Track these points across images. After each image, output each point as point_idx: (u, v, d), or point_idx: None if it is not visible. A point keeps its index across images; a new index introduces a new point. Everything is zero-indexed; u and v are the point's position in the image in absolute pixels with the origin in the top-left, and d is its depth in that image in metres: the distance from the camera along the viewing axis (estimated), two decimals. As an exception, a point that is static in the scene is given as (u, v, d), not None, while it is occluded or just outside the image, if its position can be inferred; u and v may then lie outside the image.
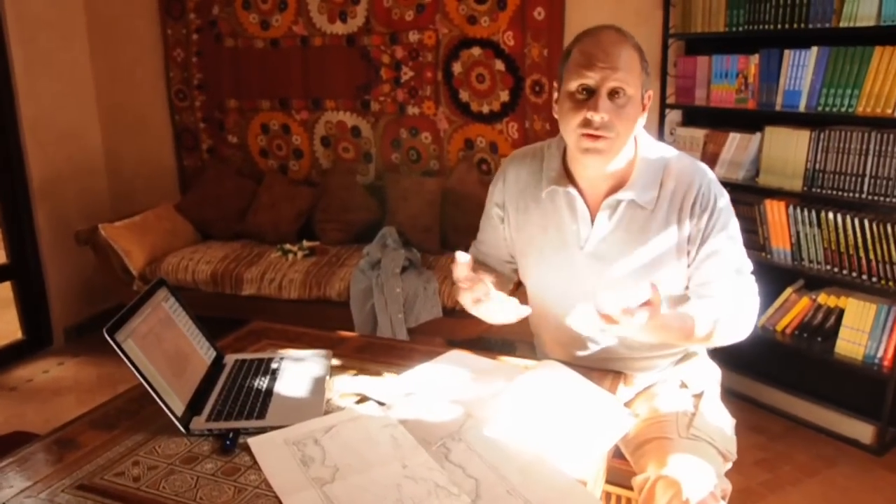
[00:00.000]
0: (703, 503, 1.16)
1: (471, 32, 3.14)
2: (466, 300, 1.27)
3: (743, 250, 1.35)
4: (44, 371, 3.23)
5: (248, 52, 3.52)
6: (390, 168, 3.45)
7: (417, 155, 3.40)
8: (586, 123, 1.23)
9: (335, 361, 1.43)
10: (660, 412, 1.36)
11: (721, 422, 1.37)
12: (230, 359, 1.43)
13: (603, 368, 1.40)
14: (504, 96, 3.16)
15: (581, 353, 1.43)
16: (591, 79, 1.22)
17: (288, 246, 3.13)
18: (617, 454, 1.39)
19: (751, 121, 2.62)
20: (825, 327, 2.48)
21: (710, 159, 2.65)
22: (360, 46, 3.33)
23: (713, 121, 2.78)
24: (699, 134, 2.75)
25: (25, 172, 3.33)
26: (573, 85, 1.24)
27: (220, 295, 3.01)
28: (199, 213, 3.43)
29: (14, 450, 1.14)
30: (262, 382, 1.32)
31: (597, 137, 1.23)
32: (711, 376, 1.48)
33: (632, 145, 1.32)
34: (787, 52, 2.42)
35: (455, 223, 3.09)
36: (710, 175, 1.35)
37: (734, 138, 2.63)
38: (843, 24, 2.26)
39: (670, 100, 2.87)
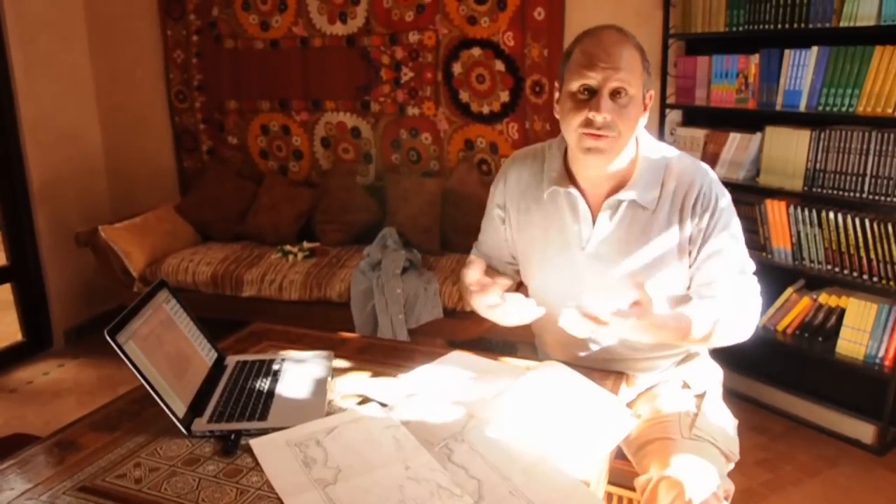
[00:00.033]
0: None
1: (471, 33, 3.14)
2: (480, 305, 1.27)
3: (745, 250, 1.35)
4: (44, 373, 3.23)
5: (248, 53, 3.52)
6: (390, 169, 3.45)
7: (417, 155, 3.40)
8: (588, 123, 1.23)
9: (336, 362, 1.43)
10: (662, 413, 1.36)
11: (723, 422, 1.37)
12: (231, 360, 1.43)
13: (605, 369, 1.39)
14: (504, 97, 3.16)
15: (583, 354, 1.43)
16: (592, 79, 1.22)
17: (288, 247, 3.13)
18: (619, 455, 1.39)
19: (751, 121, 2.62)
20: (826, 327, 2.48)
21: (711, 159, 2.65)
22: (360, 47, 3.33)
23: (713, 121, 2.78)
24: (699, 134, 2.75)
25: (25, 174, 3.32)
26: (575, 85, 1.24)
27: (220, 296, 3.00)
28: (199, 215, 3.43)
29: (14, 452, 1.14)
30: (263, 384, 1.32)
31: (599, 137, 1.23)
32: (713, 377, 1.48)
33: (633, 145, 1.32)
34: (787, 51, 2.42)
35: (455, 224, 3.09)
36: (712, 175, 1.34)
37: (734, 138, 2.63)
38: (843, 24, 2.26)
39: (670, 100, 2.87)
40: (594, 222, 1.34)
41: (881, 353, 2.33)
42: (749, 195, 2.56)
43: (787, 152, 2.47)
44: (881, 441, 2.41)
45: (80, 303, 3.57)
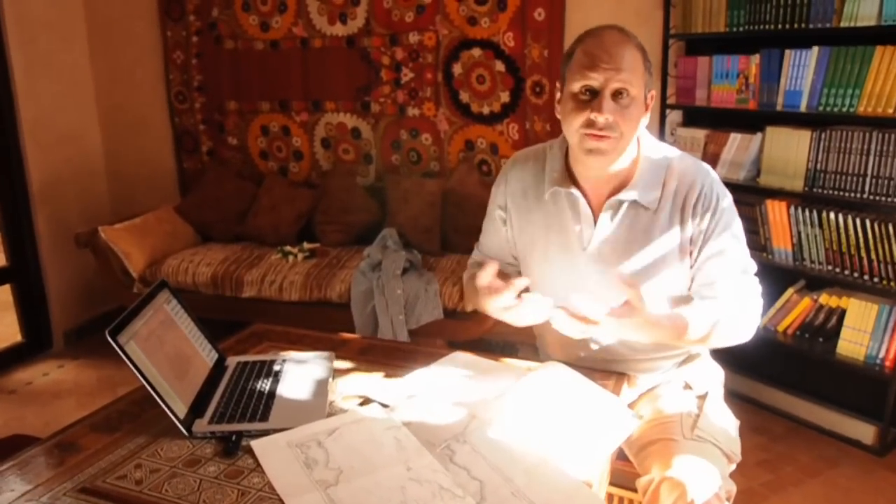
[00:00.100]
0: (707, 504, 1.15)
1: (471, 33, 3.14)
2: (492, 307, 1.26)
3: (747, 251, 1.35)
4: (43, 374, 3.22)
5: (248, 53, 3.51)
6: (390, 169, 3.45)
7: (418, 156, 3.40)
8: (590, 124, 1.23)
9: (337, 363, 1.43)
10: (664, 413, 1.36)
11: (725, 423, 1.37)
12: (232, 361, 1.42)
13: (606, 370, 1.39)
14: (504, 97, 3.15)
15: (583, 354, 1.42)
16: (594, 80, 1.22)
17: (288, 248, 3.13)
18: (620, 456, 1.39)
19: (752, 121, 2.62)
20: (827, 328, 2.48)
21: (711, 160, 2.65)
22: (360, 48, 3.33)
23: (714, 121, 2.77)
24: (700, 134, 2.74)
25: (25, 174, 3.32)
26: (576, 86, 1.24)
27: (220, 297, 3.00)
28: (199, 216, 3.43)
29: (14, 453, 1.13)
30: (264, 385, 1.32)
31: (601, 137, 1.23)
32: (715, 377, 1.48)
33: (634, 145, 1.32)
34: (787, 52, 2.42)
35: (456, 224, 3.09)
36: (713, 175, 1.34)
37: (735, 139, 2.63)
38: (843, 24, 2.26)
39: (671, 100, 2.87)
40: (595, 223, 1.34)
41: (882, 354, 2.33)
42: (749, 195, 2.56)
43: (788, 153, 2.47)
44: (882, 442, 2.41)
45: (80, 304, 3.56)
